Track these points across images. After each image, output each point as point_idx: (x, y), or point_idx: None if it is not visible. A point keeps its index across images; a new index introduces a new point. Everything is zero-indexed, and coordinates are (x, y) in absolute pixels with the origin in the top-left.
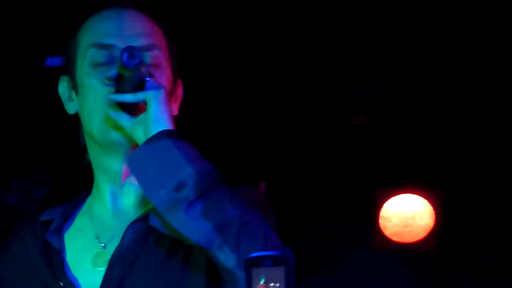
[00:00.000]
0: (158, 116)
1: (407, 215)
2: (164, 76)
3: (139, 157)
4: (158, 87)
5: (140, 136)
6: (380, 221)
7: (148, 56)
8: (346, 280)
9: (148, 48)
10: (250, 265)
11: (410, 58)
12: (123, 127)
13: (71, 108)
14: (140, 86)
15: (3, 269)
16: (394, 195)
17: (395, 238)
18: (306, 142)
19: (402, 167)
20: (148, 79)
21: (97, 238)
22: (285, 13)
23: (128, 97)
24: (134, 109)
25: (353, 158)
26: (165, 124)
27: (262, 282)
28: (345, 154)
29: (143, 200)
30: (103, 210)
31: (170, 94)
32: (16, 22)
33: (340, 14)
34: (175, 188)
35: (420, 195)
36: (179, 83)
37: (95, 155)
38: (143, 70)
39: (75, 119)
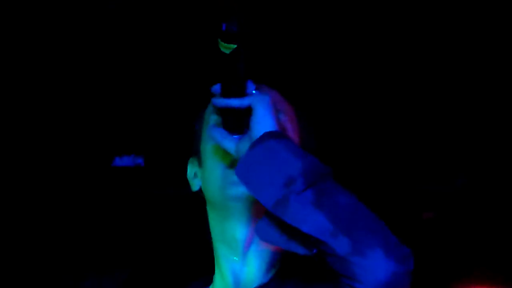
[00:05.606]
0: (263, 119)
1: None
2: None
3: (245, 163)
4: (264, 94)
5: (246, 149)
6: None
7: None
8: None
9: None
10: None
11: (481, 152)
12: (228, 150)
13: (195, 184)
14: (244, 90)
15: None
16: None
17: None
18: None
19: (473, 261)
20: (254, 92)
21: None
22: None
23: (234, 102)
24: (239, 128)
25: (423, 255)
26: (270, 126)
27: None
28: (414, 251)
29: (265, 272)
30: (225, 285)
31: None
32: (85, 122)
33: (410, 110)
34: (285, 184)
35: None
36: None
37: (216, 225)
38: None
39: (199, 201)
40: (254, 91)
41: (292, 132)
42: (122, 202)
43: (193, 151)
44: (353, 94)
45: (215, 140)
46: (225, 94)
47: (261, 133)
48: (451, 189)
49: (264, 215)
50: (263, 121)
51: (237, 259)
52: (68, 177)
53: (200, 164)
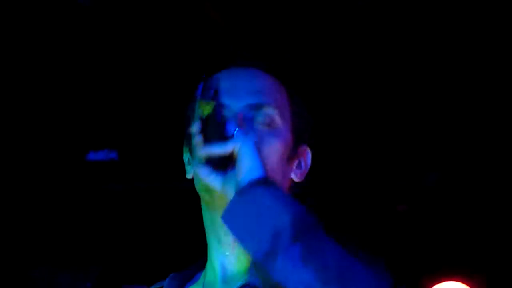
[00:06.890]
0: (249, 165)
1: None
2: (279, 136)
3: (231, 212)
4: (246, 135)
5: (232, 193)
6: None
7: (261, 115)
8: None
9: (260, 106)
10: None
11: (454, 148)
12: (213, 188)
13: (188, 171)
14: (227, 136)
15: None
16: (438, 283)
17: None
18: (349, 229)
19: (445, 255)
20: (236, 131)
21: None
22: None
23: (216, 149)
24: (224, 164)
25: (396, 246)
26: (257, 172)
27: None
28: (388, 243)
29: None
30: (214, 278)
31: (288, 158)
32: (60, 117)
33: (384, 108)
34: (272, 238)
35: (463, 283)
36: (305, 149)
37: (207, 217)
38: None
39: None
40: (235, 131)
41: (284, 124)
42: (96, 197)
43: (186, 136)
44: (328, 91)
45: (200, 177)
46: (206, 140)
47: (247, 177)
48: (424, 183)
49: (252, 266)
50: (248, 166)
51: (227, 253)
52: (41, 171)
53: (191, 153)
